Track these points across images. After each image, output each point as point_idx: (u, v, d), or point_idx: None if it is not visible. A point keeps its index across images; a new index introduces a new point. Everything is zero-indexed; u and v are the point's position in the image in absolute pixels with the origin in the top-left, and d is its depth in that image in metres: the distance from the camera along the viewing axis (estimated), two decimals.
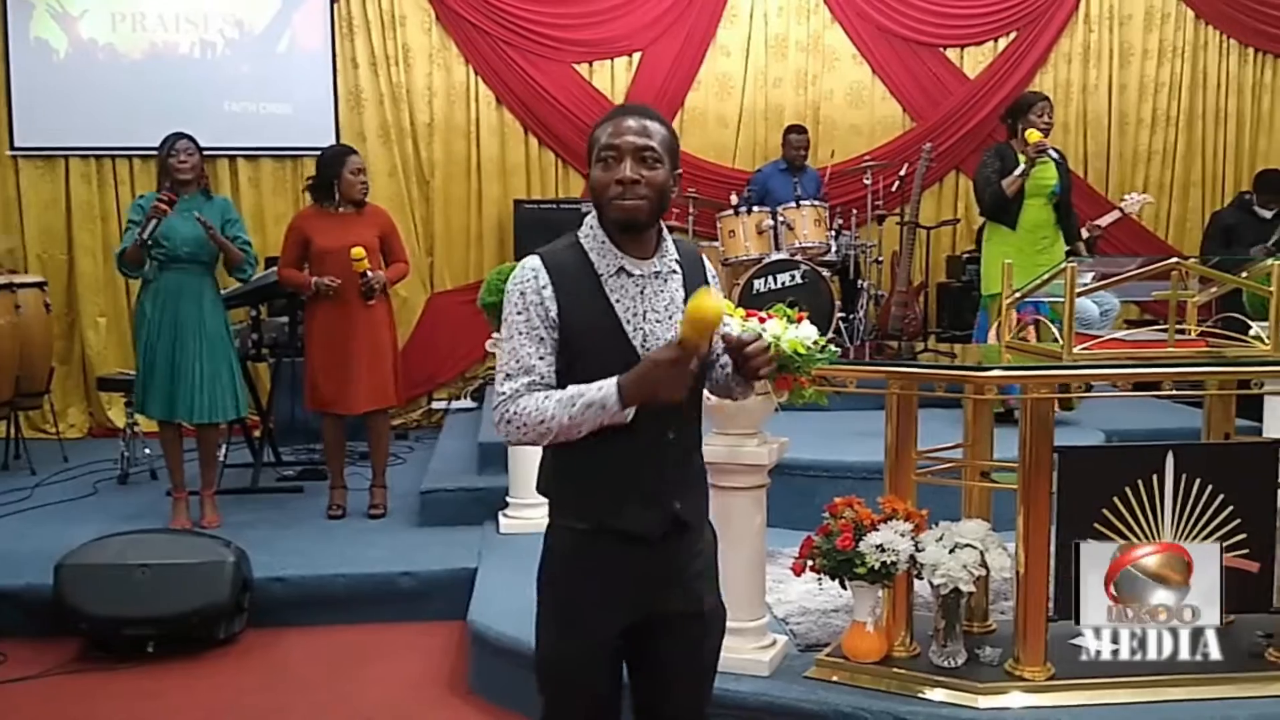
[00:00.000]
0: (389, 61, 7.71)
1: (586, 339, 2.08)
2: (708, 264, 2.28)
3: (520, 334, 2.08)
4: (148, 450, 6.23)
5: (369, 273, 5.07)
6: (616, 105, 2.18)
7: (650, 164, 2.08)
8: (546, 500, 2.21)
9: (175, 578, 4.09)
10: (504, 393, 2.08)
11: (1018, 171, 5.52)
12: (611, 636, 2.17)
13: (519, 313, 2.09)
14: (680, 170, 2.16)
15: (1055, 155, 5.59)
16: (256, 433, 6.30)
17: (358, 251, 5.01)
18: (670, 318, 2.14)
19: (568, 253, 2.13)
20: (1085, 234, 5.72)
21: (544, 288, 2.08)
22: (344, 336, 5.16)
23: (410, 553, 4.75)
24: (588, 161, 2.15)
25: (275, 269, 5.49)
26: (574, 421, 2.02)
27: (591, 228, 2.14)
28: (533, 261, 2.11)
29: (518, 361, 2.08)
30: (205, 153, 5.15)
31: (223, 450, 5.60)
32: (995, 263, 5.70)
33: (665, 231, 2.20)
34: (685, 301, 2.13)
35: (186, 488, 5.18)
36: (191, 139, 5.04)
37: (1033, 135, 5.41)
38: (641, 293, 2.12)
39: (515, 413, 2.05)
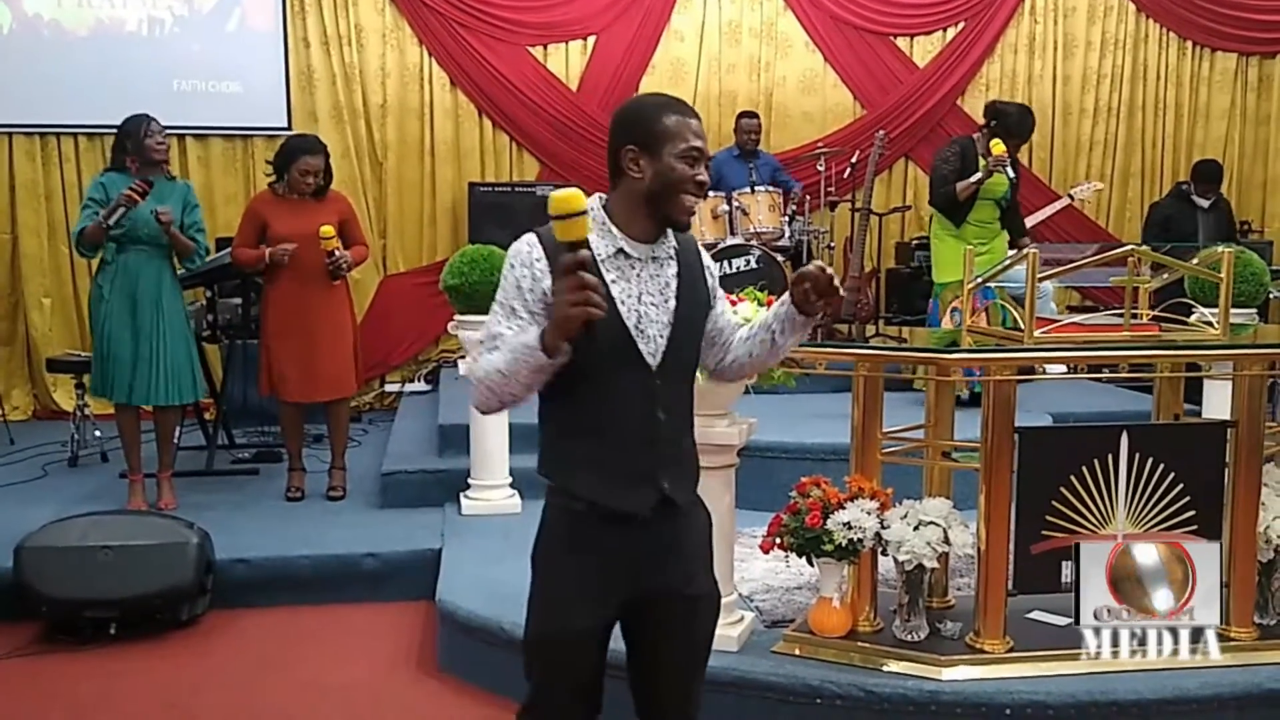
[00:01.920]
0: (341, 41, 7.63)
1: None
2: (705, 255, 2.33)
3: (500, 304, 2.13)
4: (98, 433, 6.15)
5: (336, 252, 5.04)
6: (667, 97, 2.18)
7: None
8: (546, 481, 2.24)
9: (138, 559, 4.06)
10: (474, 357, 2.16)
11: (973, 178, 5.78)
12: (601, 618, 2.20)
13: (505, 284, 2.13)
14: None
15: (1011, 175, 5.85)
16: (209, 415, 6.25)
17: (327, 230, 4.99)
18: (666, 301, 2.18)
19: None
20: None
21: (536, 260, 2.10)
22: (305, 322, 5.13)
23: (373, 534, 4.76)
24: (635, 140, 2.14)
25: (229, 250, 5.44)
26: (513, 367, 2.03)
27: (593, 208, 2.15)
28: (529, 238, 2.14)
29: (490, 329, 2.13)
30: None
31: (176, 433, 5.54)
32: (942, 254, 6.05)
33: None
34: (680, 286, 2.20)
35: (143, 469, 5.13)
36: (158, 120, 4.99)
37: (997, 147, 5.69)
38: (638, 275, 2.16)
39: (477, 374, 2.11)
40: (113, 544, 4.07)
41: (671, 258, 2.22)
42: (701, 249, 2.34)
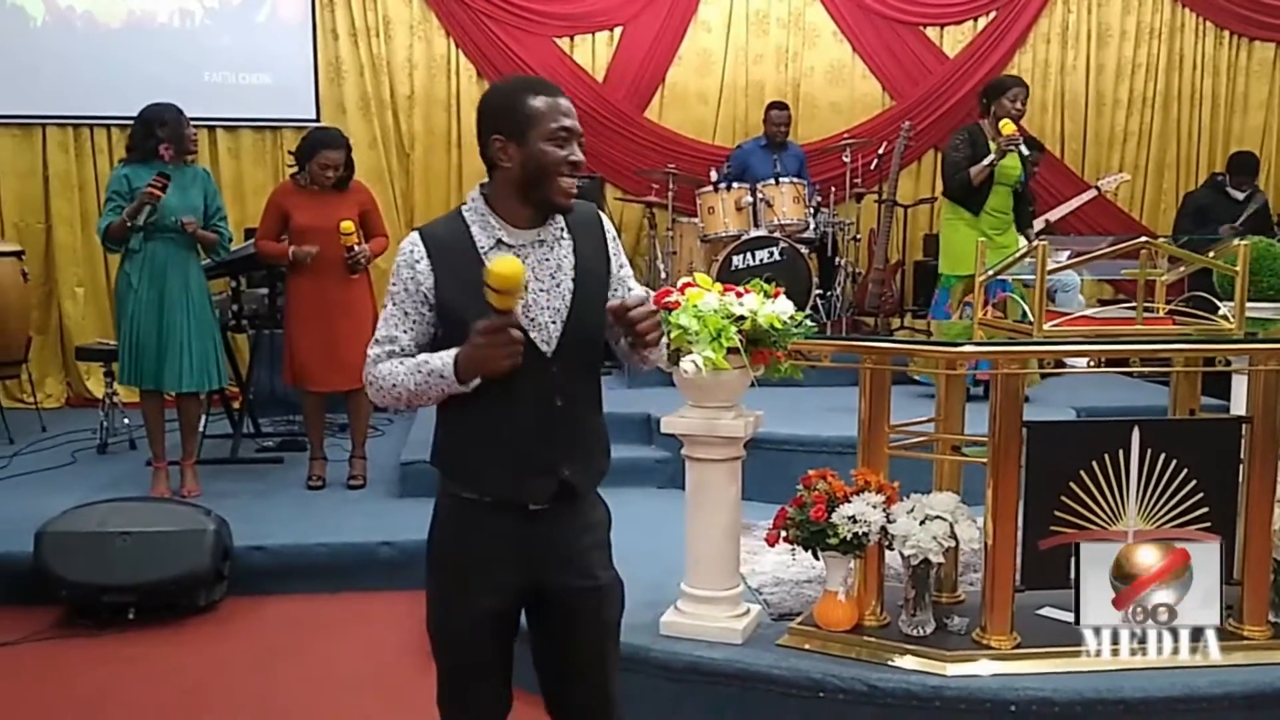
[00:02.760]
0: (369, 33, 7.69)
1: (465, 310, 2.05)
2: (606, 224, 2.30)
3: (393, 304, 2.16)
4: (126, 420, 6.24)
5: (356, 247, 5.09)
6: (527, 78, 2.16)
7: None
8: (438, 471, 2.24)
9: (156, 545, 4.12)
10: (370, 356, 2.17)
11: (986, 161, 5.63)
12: (499, 605, 2.19)
13: (394, 285, 2.16)
14: None
15: (1025, 151, 5.66)
16: (236, 404, 6.32)
17: (347, 225, 5.03)
18: (558, 285, 2.16)
19: (449, 227, 2.17)
20: (1041, 224, 5.81)
21: (417, 262, 2.13)
22: (326, 313, 5.18)
23: (390, 523, 4.79)
24: (501, 129, 2.11)
25: (254, 241, 5.50)
26: (419, 388, 2.10)
27: (474, 199, 2.18)
28: (413, 238, 2.17)
29: (385, 331, 2.16)
30: None
31: (202, 421, 5.61)
32: (954, 243, 5.87)
33: None
34: (575, 266, 2.18)
35: (167, 457, 5.20)
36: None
37: (1007, 127, 5.53)
38: (524, 261, 2.07)
39: (374, 376, 2.15)
40: (131, 530, 4.13)
41: (562, 238, 2.19)
42: (603, 217, 2.30)
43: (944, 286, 5.98)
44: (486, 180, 2.20)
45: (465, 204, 2.19)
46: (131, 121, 5.08)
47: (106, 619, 4.13)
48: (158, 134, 4.96)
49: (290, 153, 5.40)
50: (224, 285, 6.27)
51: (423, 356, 2.11)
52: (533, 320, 2.13)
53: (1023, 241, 5.54)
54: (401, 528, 4.71)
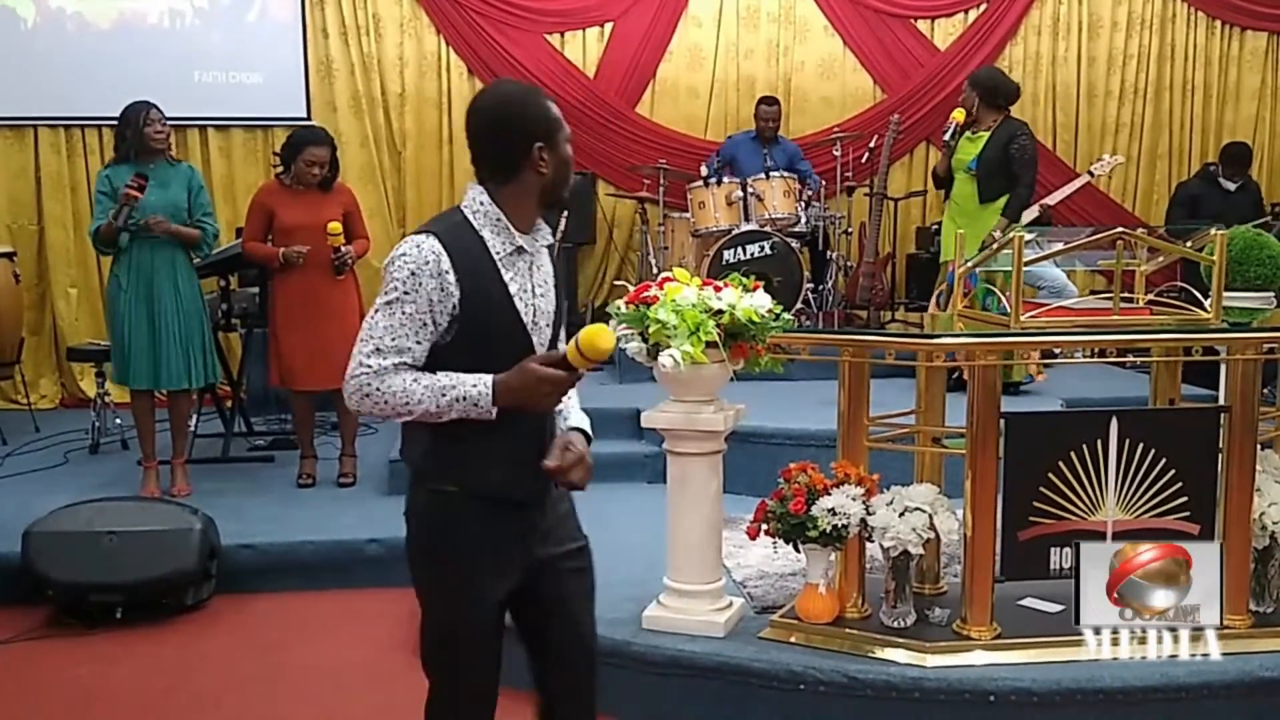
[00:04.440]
0: (360, 31, 7.69)
1: (486, 320, 2.10)
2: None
3: (405, 314, 2.06)
4: (119, 420, 6.25)
5: (342, 248, 5.10)
6: (529, 85, 2.29)
7: None
8: (415, 469, 2.22)
9: (143, 544, 4.14)
10: (369, 366, 2.07)
11: (945, 150, 5.88)
12: (504, 594, 2.23)
13: (407, 293, 2.06)
14: None
15: (946, 137, 5.86)
16: (228, 403, 6.33)
17: (334, 226, 5.04)
18: (548, 291, 2.22)
19: (459, 233, 2.12)
20: (1036, 211, 5.81)
21: (445, 273, 2.07)
22: (311, 312, 5.18)
23: (379, 520, 4.78)
24: (540, 136, 2.14)
25: (241, 241, 5.50)
26: (439, 410, 2.06)
27: (483, 204, 2.15)
28: (432, 244, 2.07)
29: (393, 340, 2.07)
30: (175, 123, 5.25)
31: (193, 420, 5.62)
32: (944, 231, 6.06)
33: None
34: (554, 268, 2.26)
35: (157, 457, 5.21)
36: (159, 107, 5.06)
37: (956, 114, 5.72)
38: (529, 269, 2.18)
39: (379, 389, 2.07)
40: (118, 529, 4.15)
41: (546, 246, 2.25)
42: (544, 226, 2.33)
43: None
44: (485, 183, 2.17)
45: (467, 206, 2.16)
46: None
47: (94, 618, 4.14)
48: (126, 135, 5.00)
49: (275, 153, 5.41)
50: (214, 284, 6.27)
51: (447, 379, 2.06)
52: (536, 325, 2.18)
53: (997, 232, 5.52)
54: (391, 525, 4.58)
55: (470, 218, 2.14)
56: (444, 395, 2.05)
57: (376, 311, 2.10)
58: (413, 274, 2.06)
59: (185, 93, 7.20)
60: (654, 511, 4.51)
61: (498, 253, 2.13)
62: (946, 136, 5.85)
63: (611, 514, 4.59)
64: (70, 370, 7.46)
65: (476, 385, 2.05)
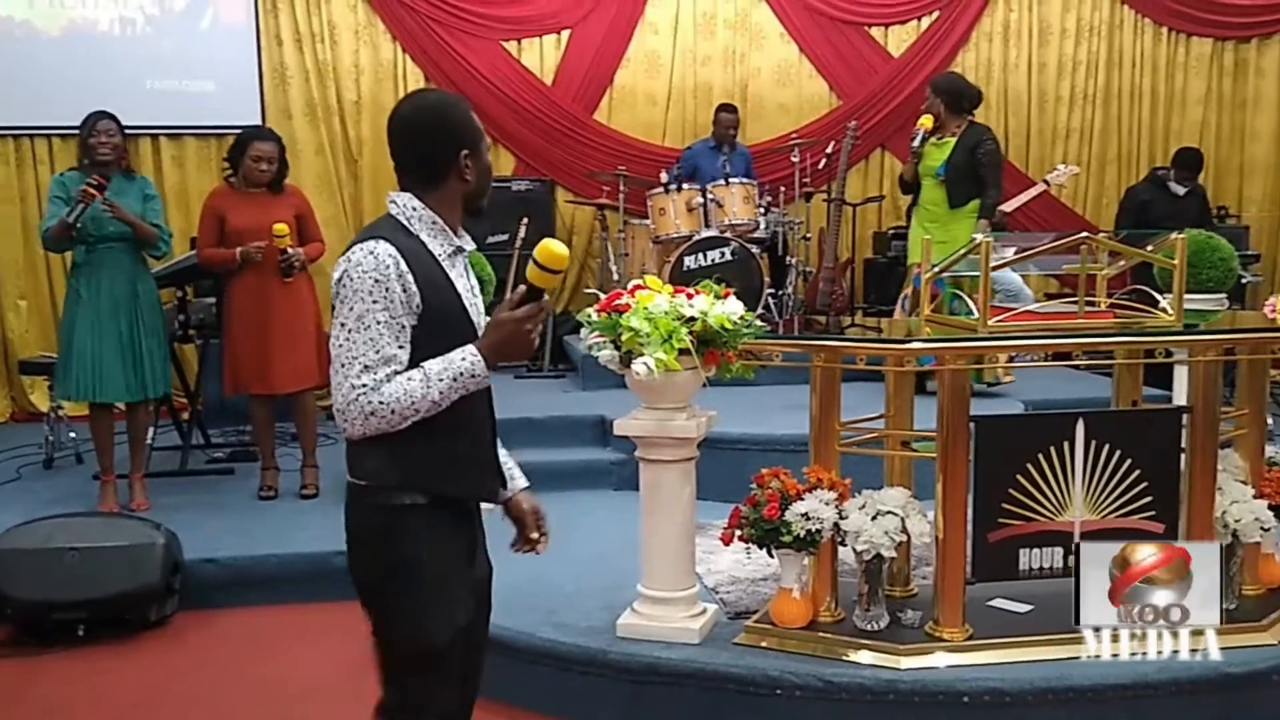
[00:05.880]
0: (314, 38, 7.61)
1: (443, 320, 2.12)
2: None
3: (380, 324, 2.03)
4: (73, 434, 6.14)
5: (290, 250, 5.04)
6: (451, 94, 2.35)
7: None
8: (371, 482, 2.12)
9: (105, 560, 4.07)
10: (363, 385, 2.02)
11: (912, 157, 5.99)
12: (469, 605, 2.24)
13: (376, 301, 2.03)
14: None
15: (914, 144, 5.95)
16: (184, 415, 6.24)
17: (280, 227, 4.99)
18: (478, 294, 2.27)
19: (405, 238, 2.11)
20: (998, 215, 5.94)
21: (405, 274, 2.06)
22: (263, 315, 5.12)
23: (343, 532, 4.74)
24: (465, 144, 2.17)
25: (196, 251, 5.43)
26: (443, 397, 2.05)
27: (416, 209, 2.16)
28: (386, 248, 2.06)
29: (378, 352, 2.03)
30: (127, 131, 5.12)
31: (150, 433, 5.53)
32: (909, 238, 6.18)
33: None
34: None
35: (115, 470, 5.13)
36: (113, 118, 5.00)
37: (923, 121, 5.81)
38: (464, 270, 2.24)
39: (382, 402, 2.02)
40: (79, 546, 4.07)
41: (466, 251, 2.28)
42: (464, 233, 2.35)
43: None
44: (411, 190, 2.17)
45: (399, 213, 2.15)
46: (72, 132, 5.03)
47: (56, 636, 4.07)
48: (83, 146, 4.97)
49: (225, 159, 5.35)
50: (170, 295, 6.18)
51: (434, 365, 2.05)
52: (478, 323, 2.21)
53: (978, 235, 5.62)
54: None
55: (405, 223, 2.15)
56: (440, 380, 2.04)
57: (347, 330, 2.05)
58: (376, 281, 2.04)
59: (137, 101, 7.05)
60: (621, 518, 4.53)
61: (439, 254, 2.15)
62: (915, 143, 5.92)
63: (579, 522, 4.60)
64: (20, 384, 7.31)
65: (465, 358, 2.06)
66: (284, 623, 4.31)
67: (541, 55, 7.99)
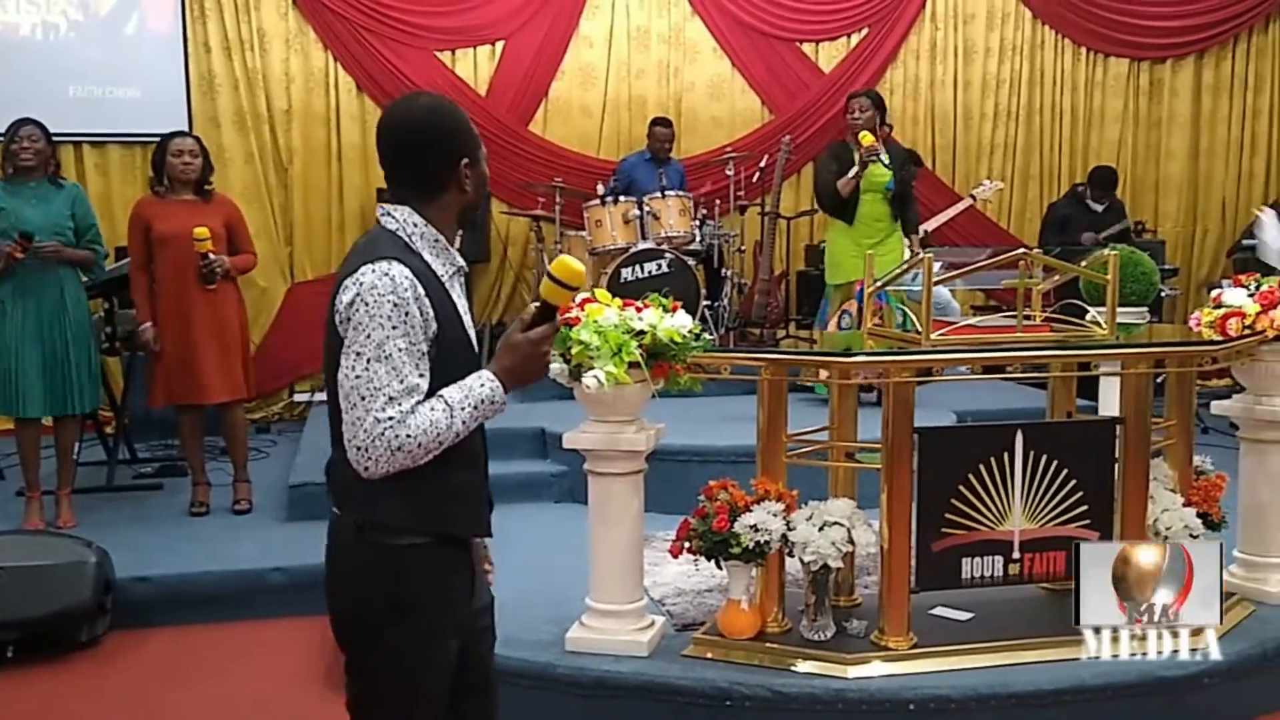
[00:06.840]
0: (244, 46, 7.49)
1: (452, 347, 2.01)
2: None
3: (401, 349, 1.91)
4: None
5: (210, 255, 4.94)
6: (444, 97, 2.18)
7: None
8: (375, 521, 2.01)
9: (34, 580, 3.96)
10: (389, 418, 1.89)
11: (851, 174, 5.94)
12: (458, 645, 2.12)
13: (395, 327, 1.90)
14: None
15: (886, 161, 5.94)
16: (110, 429, 6.09)
17: (201, 231, 4.89)
18: (468, 312, 2.12)
19: (411, 258, 1.99)
20: (921, 234, 6.06)
21: (421, 297, 1.94)
22: (185, 323, 5.01)
23: (280, 547, 4.68)
24: (465, 152, 2.05)
25: (128, 261, 5.31)
26: (465, 427, 1.94)
27: (417, 225, 2.03)
28: (400, 269, 1.93)
29: (401, 382, 1.90)
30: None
31: (75, 448, 5.39)
32: (834, 253, 6.20)
33: None
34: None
35: (40, 486, 4.99)
36: (38, 125, 4.89)
37: (866, 139, 5.85)
38: (462, 290, 2.10)
39: (409, 436, 1.89)
40: (7, 565, 3.96)
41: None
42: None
43: (827, 296, 6.18)
44: (407, 202, 2.04)
45: (400, 229, 2.02)
46: None
47: None
48: (5, 153, 4.86)
49: (151, 167, 5.24)
50: (97, 306, 6.03)
51: (453, 393, 1.93)
52: (478, 350, 2.13)
53: (907, 251, 5.72)
54: (292, 552, 4.60)
55: (407, 240, 2.01)
56: (463, 409, 1.93)
57: (365, 360, 1.90)
58: (395, 305, 1.90)
59: (59, 108, 6.85)
60: (565, 531, 4.53)
61: (441, 274, 2.03)
62: (884, 159, 5.91)
63: (522, 535, 4.57)
64: None
65: (484, 384, 1.95)
66: (221, 641, 4.23)
67: (475, 66, 7.96)
